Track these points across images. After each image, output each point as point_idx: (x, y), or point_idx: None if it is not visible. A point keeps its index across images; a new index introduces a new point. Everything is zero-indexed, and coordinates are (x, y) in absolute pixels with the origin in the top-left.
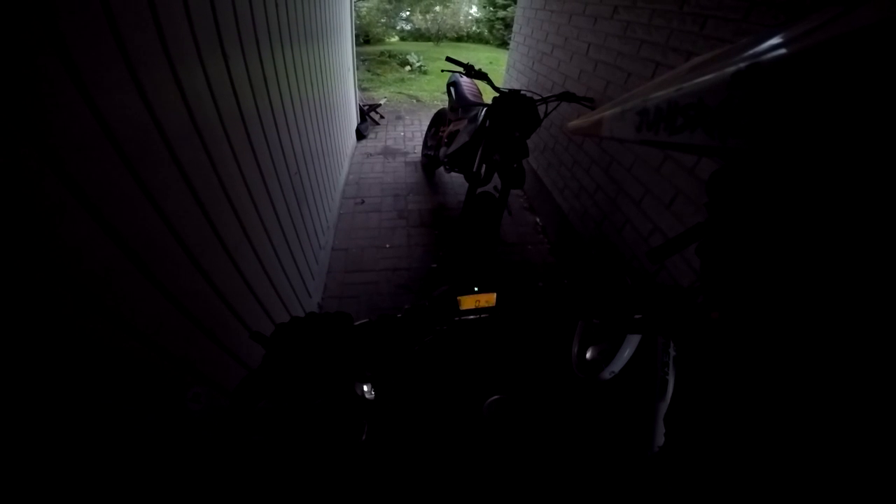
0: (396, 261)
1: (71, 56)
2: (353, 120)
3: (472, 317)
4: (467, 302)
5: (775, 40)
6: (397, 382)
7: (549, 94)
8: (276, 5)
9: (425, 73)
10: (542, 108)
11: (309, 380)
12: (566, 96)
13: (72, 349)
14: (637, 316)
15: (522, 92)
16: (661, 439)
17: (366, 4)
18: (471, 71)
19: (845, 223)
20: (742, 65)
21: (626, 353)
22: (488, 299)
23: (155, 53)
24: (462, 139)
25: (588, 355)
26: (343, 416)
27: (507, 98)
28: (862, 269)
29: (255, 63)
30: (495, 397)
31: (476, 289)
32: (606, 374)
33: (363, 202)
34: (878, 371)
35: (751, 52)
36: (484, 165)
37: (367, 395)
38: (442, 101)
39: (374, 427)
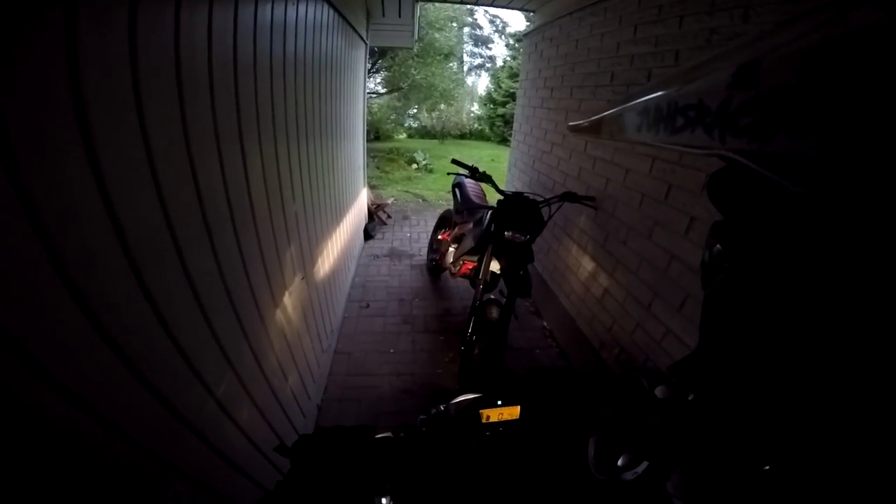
0: (400, 366)
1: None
2: (363, 220)
3: (497, 429)
4: (491, 415)
5: (775, 40)
6: (420, 496)
7: (550, 195)
8: (296, 102)
9: (431, 171)
10: (545, 210)
11: (332, 496)
12: (568, 196)
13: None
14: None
15: (525, 194)
16: None
17: (377, 101)
18: (475, 174)
19: (845, 223)
20: (742, 65)
21: (621, 460)
22: (512, 412)
23: (176, 144)
24: (467, 244)
25: (620, 462)
26: None
27: (512, 201)
28: (862, 269)
29: (270, 158)
30: None
31: (500, 402)
32: (629, 476)
33: (368, 306)
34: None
35: (750, 52)
36: (490, 272)
37: None
38: (447, 202)
39: None
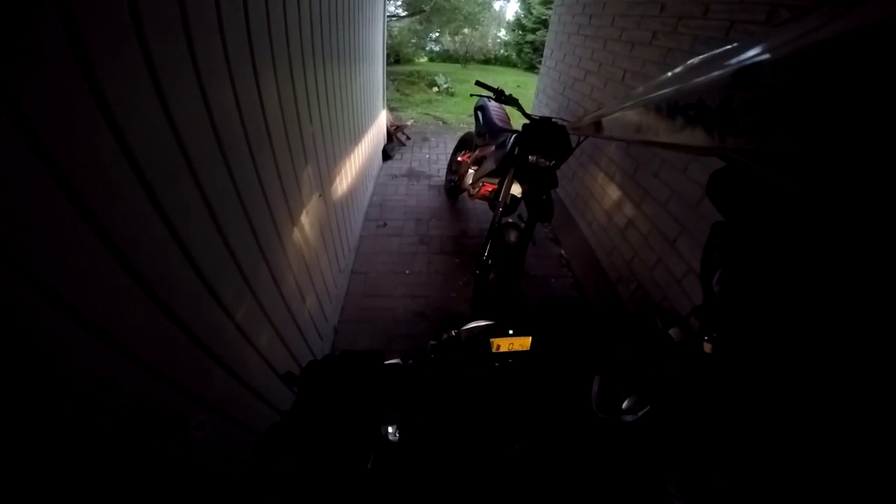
0: (415, 288)
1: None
2: (381, 140)
3: (507, 360)
4: (502, 345)
5: (776, 40)
6: (425, 426)
7: None
8: (311, 26)
9: (452, 94)
10: (573, 137)
11: (339, 426)
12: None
13: (74, 380)
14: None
15: (554, 119)
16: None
17: (398, 24)
18: (501, 96)
19: (845, 223)
20: (742, 65)
21: (627, 402)
22: (523, 343)
23: (183, 64)
24: (489, 166)
25: (624, 405)
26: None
27: (539, 125)
28: (862, 269)
29: (286, 81)
30: (521, 445)
31: (511, 332)
32: (629, 418)
33: (385, 225)
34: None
35: (751, 52)
36: (510, 195)
37: (391, 437)
38: (468, 125)
39: (395, 470)
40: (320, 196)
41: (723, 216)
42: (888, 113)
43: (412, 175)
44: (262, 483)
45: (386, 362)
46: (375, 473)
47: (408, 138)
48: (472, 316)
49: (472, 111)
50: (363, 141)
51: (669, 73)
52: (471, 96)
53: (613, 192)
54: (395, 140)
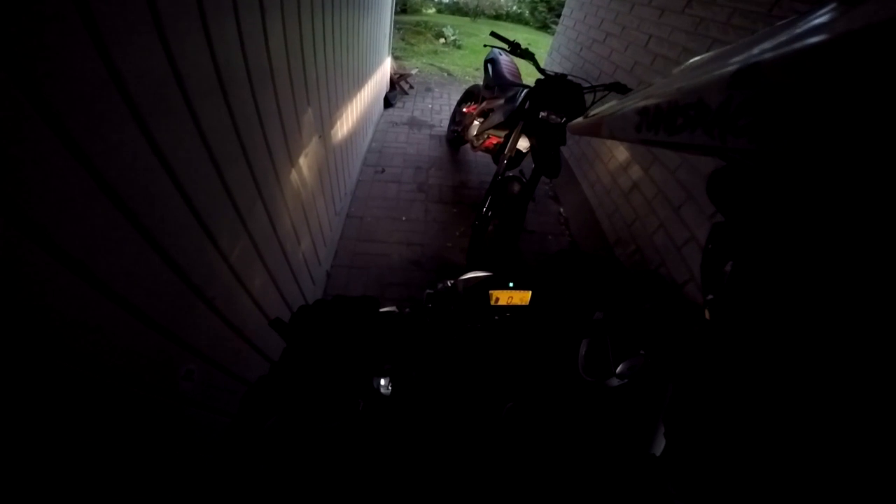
0: (411, 235)
1: None
2: (384, 88)
3: (505, 314)
4: (501, 297)
5: (776, 39)
6: (419, 379)
7: (597, 83)
8: None
9: (459, 47)
10: (588, 97)
11: (329, 379)
12: (618, 87)
13: (51, 320)
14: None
15: (569, 77)
16: (660, 447)
17: None
18: (516, 49)
19: (846, 223)
20: (742, 64)
21: (622, 366)
22: (522, 297)
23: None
24: (496, 118)
25: (619, 369)
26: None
27: (554, 81)
28: (862, 269)
29: (293, 21)
30: (513, 403)
31: (511, 284)
32: (614, 382)
33: (383, 171)
34: (877, 370)
35: (751, 51)
36: (516, 148)
37: (382, 390)
38: (474, 78)
39: (385, 425)
40: (320, 138)
41: (723, 216)
42: (889, 113)
43: (413, 124)
44: (248, 444)
45: (381, 310)
46: (364, 424)
47: (411, 87)
48: (467, 267)
49: (478, 65)
50: (366, 86)
51: (674, 70)
52: (484, 46)
53: (621, 155)
54: (397, 88)
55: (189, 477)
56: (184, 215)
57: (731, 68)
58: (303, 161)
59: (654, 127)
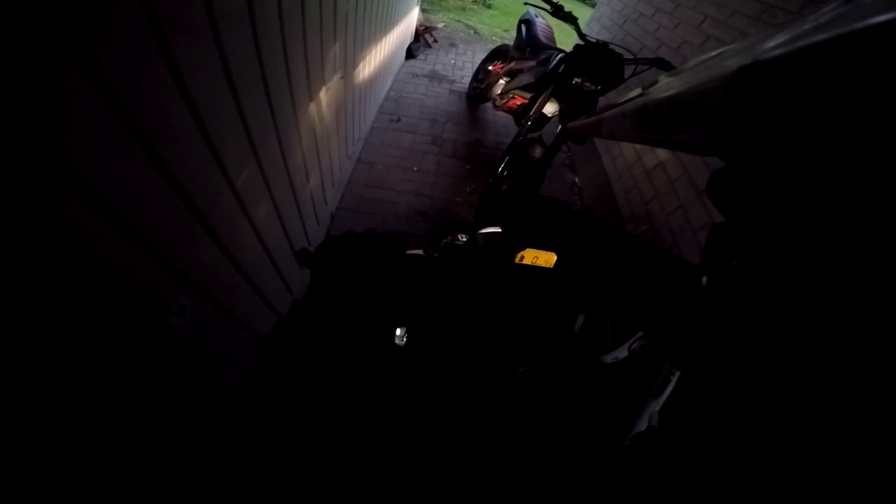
0: (421, 185)
1: None
2: (408, 38)
3: (527, 273)
4: (527, 256)
5: (777, 39)
6: (437, 332)
7: (639, 56)
8: None
9: (489, 6)
10: (627, 69)
11: (355, 330)
12: (661, 63)
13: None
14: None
15: (611, 46)
16: (640, 428)
17: None
18: (559, 11)
19: (846, 224)
20: (742, 64)
21: (636, 344)
22: (548, 259)
23: None
24: (525, 79)
25: (632, 347)
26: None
27: (595, 48)
28: (862, 269)
29: None
30: (527, 368)
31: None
32: (608, 359)
33: (399, 120)
34: (877, 367)
35: (751, 51)
36: (541, 113)
37: (397, 341)
38: (501, 39)
39: (397, 378)
40: (342, 77)
41: (723, 217)
42: (890, 113)
43: (434, 77)
44: (263, 402)
45: (408, 252)
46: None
47: (435, 41)
48: (475, 224)
49: (507, 26)
50: (392, 33)
51: (674, 70)
52: (525, 3)
53: None
54: (421, 40)
55: (181, 427)
56: (192, 133)
57: (731, 68)
58: (322, 97)
59: (654, 127)
